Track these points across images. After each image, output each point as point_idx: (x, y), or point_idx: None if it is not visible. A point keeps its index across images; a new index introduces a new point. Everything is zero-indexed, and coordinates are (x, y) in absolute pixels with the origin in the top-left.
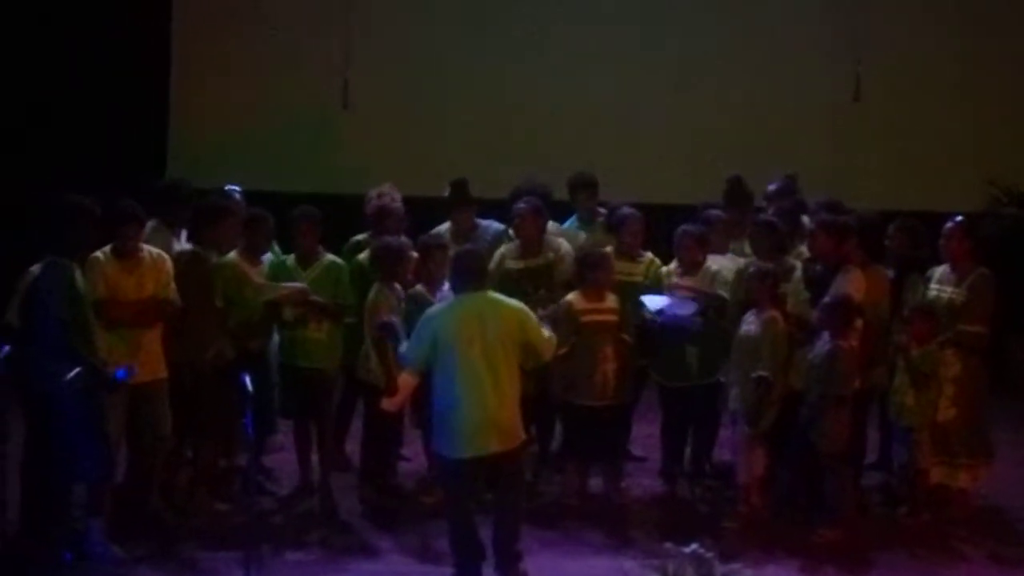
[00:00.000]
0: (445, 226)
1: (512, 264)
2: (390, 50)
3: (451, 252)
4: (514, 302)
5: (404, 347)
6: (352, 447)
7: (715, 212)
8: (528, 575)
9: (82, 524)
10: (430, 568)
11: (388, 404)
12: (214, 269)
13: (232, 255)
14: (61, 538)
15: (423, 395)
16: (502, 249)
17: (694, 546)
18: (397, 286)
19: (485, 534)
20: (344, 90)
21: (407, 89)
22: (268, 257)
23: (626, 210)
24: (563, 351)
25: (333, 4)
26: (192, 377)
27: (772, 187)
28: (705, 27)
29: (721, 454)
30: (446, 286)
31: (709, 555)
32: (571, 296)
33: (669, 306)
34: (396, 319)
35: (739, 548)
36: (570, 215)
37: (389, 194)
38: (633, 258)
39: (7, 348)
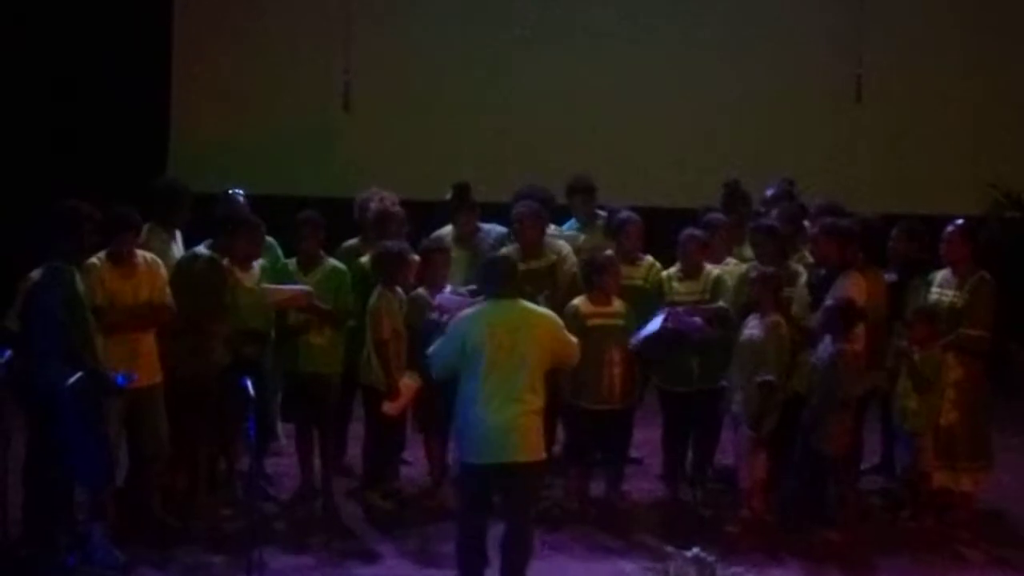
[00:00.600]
0: (447, 229)
1: None
2: (392, 53)
3: (453, 255)
4: (545, 310)
5: (432, 349)
6: (354, 451)
7: (717, 216)
8: None
9: (84, 528)
10: (431, 572)
11: (389, 408)
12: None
13: (224, 261)
14: (64, 542)
15: (426, 399)
16: (503, 252)
17: (696, 550)
18: (399, 290)
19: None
20: (346, 93)
21: (409, 92)
22: (259, 263)
23: (626, 214)
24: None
25: (334, 7)
26: (197, 381)
27: (769, 192)
28: (705, 30)
29: (723, 458)
30: (447, 289)
31: (711, 559)
32: (577, 300)
33: (670, 318)
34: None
35: (741, 552)
36: (570, 218)
37: (388, 198)
38: (633, 262)
39: (8, 352)
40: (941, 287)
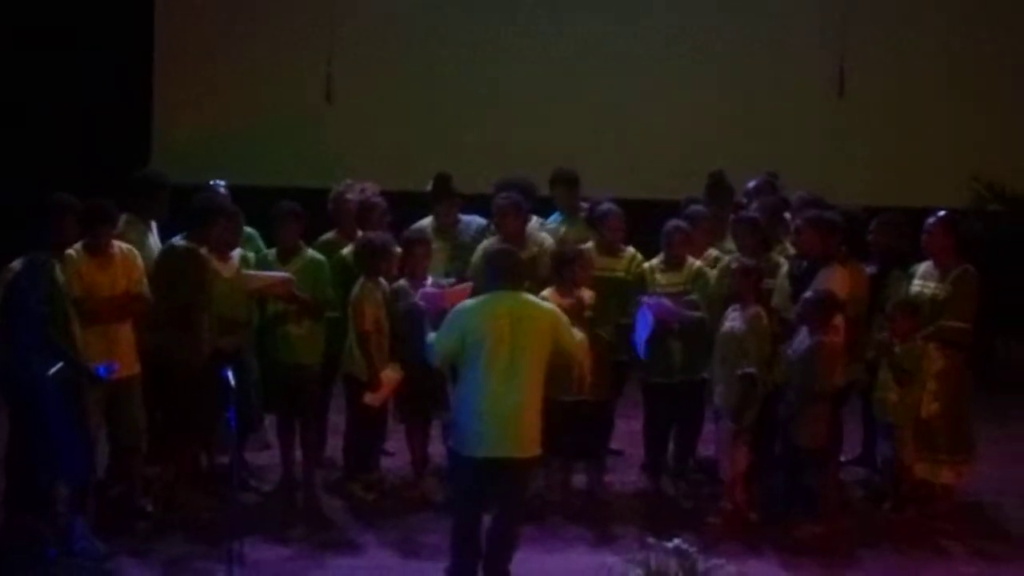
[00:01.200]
0: (427, 220)
1: None
2: (374, 44)
3: (433, 247)
4: (547, 304)
5: (431, 337)
6: (335, 442)
7: (698, 208)
8: None
9: (66, 519)
10: (413, 563)
11: (371, 399)
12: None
13: (202, 251)
14: (45, 533)
15: (408, 390)
16: (484, 243)
17: (677, 541)
18: (382, 281)
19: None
20: (327, 84)
21: (391, 83)
22: (239, 253)
23: (606, 205)
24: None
25: None
26: (182, 371)
27: (751, 184)
28: (689, 23)
29: (705, 450)
30: (428, 280)
31: (692, 550)
32: (546, 292)
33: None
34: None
35: (722, 543)
36: (554, 210)
37: (370, 189)
38: (615, 253)
39: None
40: (923, 279)
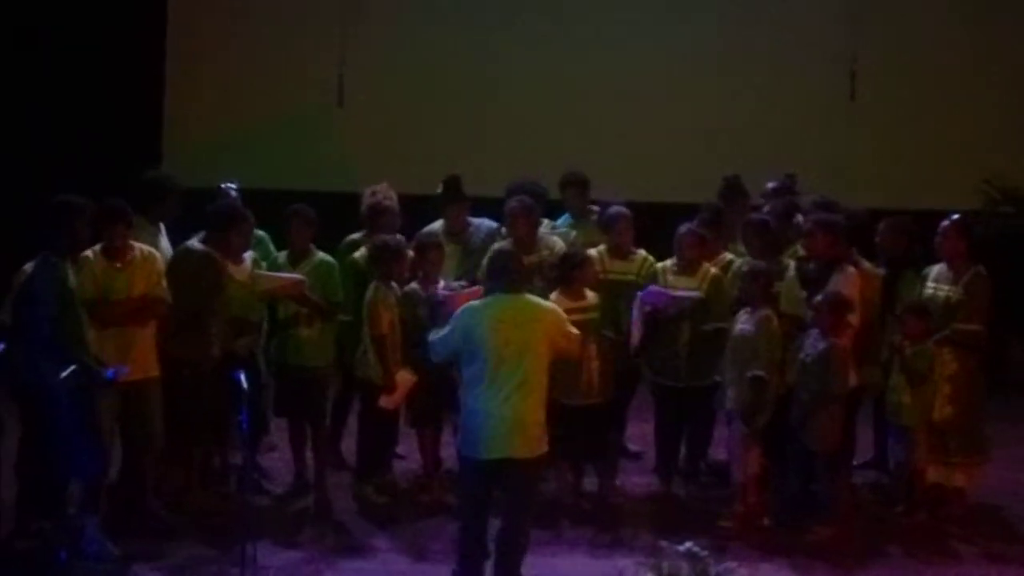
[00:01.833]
0: (438, 224)
1: None
2: (385, 47)
3: (444, 250)
4: (549, 304)
5: (432, 335)
6: (348, 445)
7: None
8: None
9: (77, 522)
10: (425, 567)
11: (386, 402)
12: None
13: (218, 257)
14: (57, 536)
15: (420, 394)
16: (495, 247)
17: (689, 544)
18: (394, 284)
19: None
20: (339, 87)
21: (402, 86)
22: (250, 255)
23: (616, 208)
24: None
25: (328, 2)
26: (193, 374)
27: (770, 186)
28: (701, 27)
29: (716, 453)
30: (440, 284)
31: (704, 553)
32: (553, 296)
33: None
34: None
35: (734, 547)
36: (564, 213)
37: (383, 192)
38: (625, 256)
39: (1, 346)
40: (936, 282)
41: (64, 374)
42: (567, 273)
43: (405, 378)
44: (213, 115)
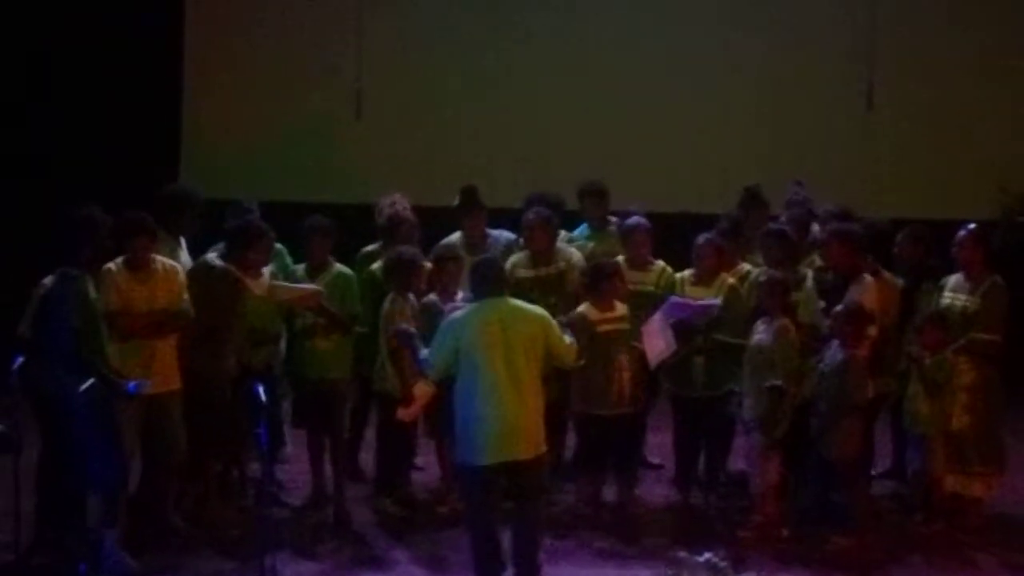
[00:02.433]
0: (456, 236)
1: (523, 273)
2: (402, 60)
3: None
4: (536, 308)
5: (425, 353)
6: (366, 457)
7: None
8: None
9: (97, 535)
10: None
11: (404, 414)
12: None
13: (236, 273)
14: (76, 549)
15: (437, 405)
16: (513, 258)
17: (708, 555)
18: (411, 296)
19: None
20: (357, 100)
21: (420, 99)
22: (268, 269)
23: (634, 219)
24: (580, 363)
25: (346, 15)
26: (211, 387)
27: (792, 194)
28: (718, 36)
29: (735, 463)
30: (459, 296)
31: (723, 564)
32: (583, 307)
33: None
34: (411, 327)
35: (753, 557)
36: (581, 223)
37: (400, 202)
38: (643, 267)
39: (20, 359)
40: (954, 291)
41: (84, 387)
42: (597, 284)
43: (423, 390)
44: (231, 127)
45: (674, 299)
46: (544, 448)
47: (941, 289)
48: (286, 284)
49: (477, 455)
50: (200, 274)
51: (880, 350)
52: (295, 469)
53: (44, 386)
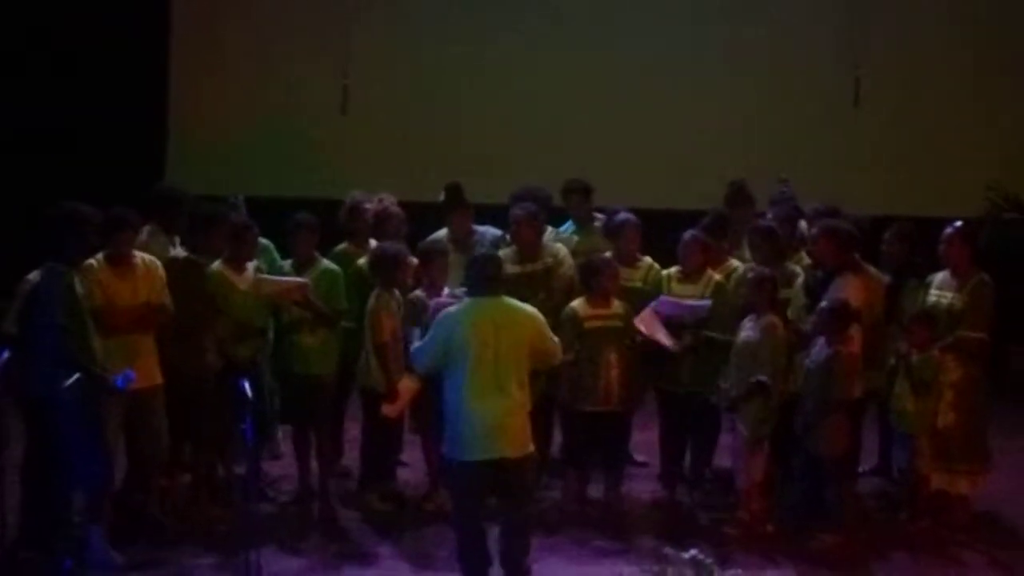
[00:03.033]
0: (443, 232)
1: (510, 269)
2: (388, 56)
3: (449, 258)
4: (528, 308)
5: (414, 346)
6: (351, 453)
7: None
8: None
9: (82, 531)
10: (429, 574)
11: (389, 410)
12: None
13: (216, 264)
14: (61, 545)
15: (423, 401)
16: (499, 254)
17: (694, 551)
18: (396, 292)
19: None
20: (343, 96)
21: (406, 95)
22: (254, 264)
23: (623, 215)
24: (569, 358)
25: (332, 10)
26: (191, 383)
27: (777, 193)
28: (704, 33)
29: (721, 460)
30: (445, 291)
31: (709, 560)
32: (576, 303)
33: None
34: (397, 323)
35: (739, 554)
36: (567, 220)
37: (387, 198)
38: (631, 263)
39: (5, 355)
40: (940, 289)
41: (68, 382)
42: (588, 280)
43: (407, 386)
44: (217, 124)
45: (664, 298)
46: (531, 449)
47: (927, 287)
48: (271, 277)
49: (464, 451)
50: (169, 269)
51: (867, 345)
52: (281, 464)
53: (29, 383)
